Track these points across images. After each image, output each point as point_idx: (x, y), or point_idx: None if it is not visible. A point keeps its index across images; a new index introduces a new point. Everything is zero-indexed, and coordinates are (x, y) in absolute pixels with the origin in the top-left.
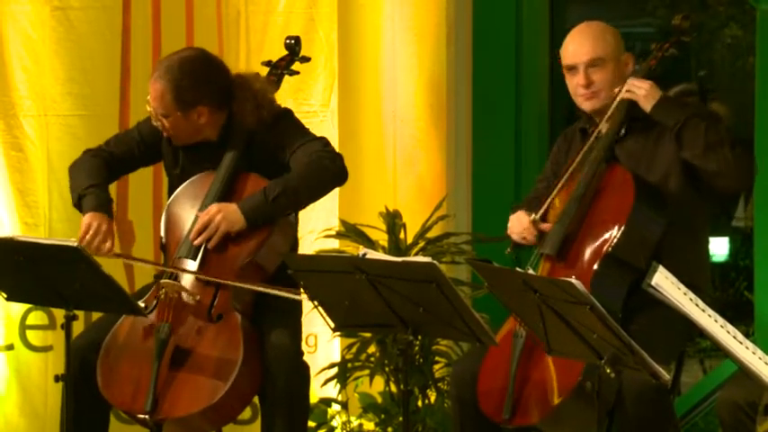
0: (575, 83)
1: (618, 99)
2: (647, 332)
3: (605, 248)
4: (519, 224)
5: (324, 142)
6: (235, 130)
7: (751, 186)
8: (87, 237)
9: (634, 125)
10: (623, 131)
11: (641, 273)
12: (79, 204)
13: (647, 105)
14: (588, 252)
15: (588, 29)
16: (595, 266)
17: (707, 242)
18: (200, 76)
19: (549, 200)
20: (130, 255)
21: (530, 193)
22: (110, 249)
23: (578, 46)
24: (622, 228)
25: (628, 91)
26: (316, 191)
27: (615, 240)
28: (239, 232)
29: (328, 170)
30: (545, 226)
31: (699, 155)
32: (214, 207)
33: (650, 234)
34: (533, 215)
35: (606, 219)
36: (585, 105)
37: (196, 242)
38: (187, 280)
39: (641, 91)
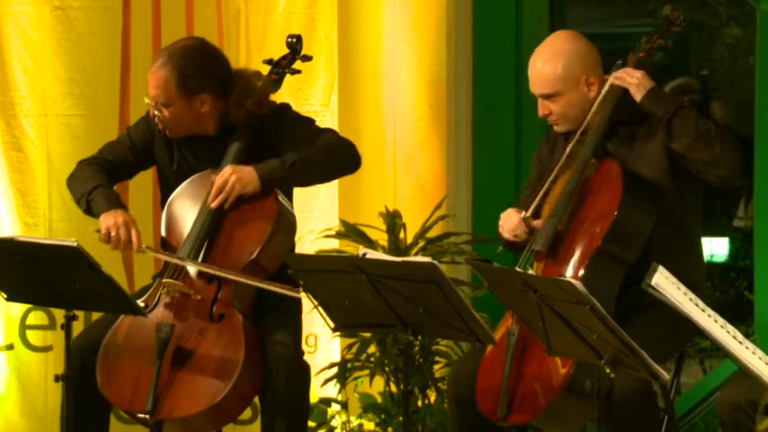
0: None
1: (608, 87)
2: (642, 332)
3: (595, 243)
4: (509, 221)
5: (335, 132)
6: (234, 126)
7: (739, 175)
8: (112, 236)
9: (619, 126)
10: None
11: (633, 269)
12: (89, 210)
13: (637, 95)
14: (579, 248)
15: (541, 55)
16: (586, 262)
17: (699, 240)
18: (203, 63)
19: (538, 196)
20: (158, 248)
21: (520, 195)
22: (138, 238)
23: (532, 77)
24: (611, 223)
25: (619, 78)
26: (330, 170)
27: (604, 234)
28: (241, 231)
29: (344, 153)
30: (536, 223)
31: (689, 144)
32: (229, 168)
33: (640, 227)
34: (524, 212)
35: (596, 213)
36: (556, 129)
37: (213, 204)
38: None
39: (633, 80)
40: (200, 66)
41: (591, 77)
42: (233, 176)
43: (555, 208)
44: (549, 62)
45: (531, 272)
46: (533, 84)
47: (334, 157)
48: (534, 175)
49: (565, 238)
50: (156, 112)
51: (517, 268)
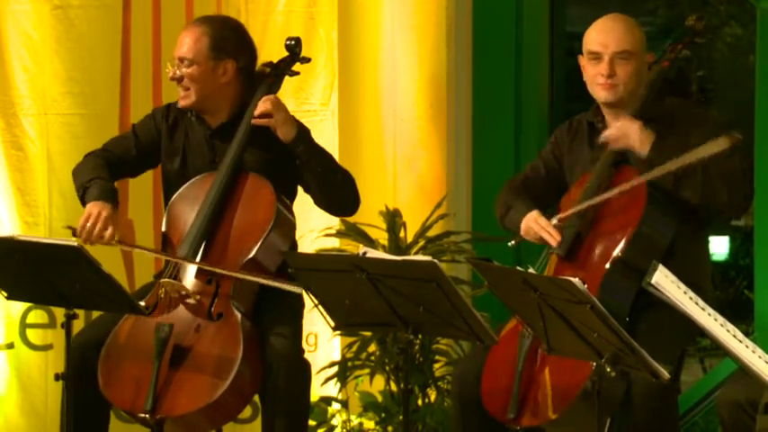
0: (595, 71)
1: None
2: (652, 333)
3: (615, 252)
4: (536, 225)
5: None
6: (240, 123)
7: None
8: (88, 225)
9: (648, 126)
10: None
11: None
12: (83, 201)
13: (642, 151)
14: (598, 254)
15: (619, 19)
16: (605, 271)
17: (707, 241)
18: (239, 33)
19: (577, 208)
20: (135, 243)
21: (519, 175)
22: (111, 236)
23: (608, 34)
24: (633, 232)
25: (616, 140)
26: (333, 181)
27: (625, 245)
28: (239, 229)
29: (350, 180)
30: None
31: (695, 202)
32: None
33: (660, 239)
34: (554, 219)
35: (617, 222)
36: (601, 95)
37: (256, 112)
38: (188, 279)
39: (634, 141)
40: (235, 34)
41: (649, 55)
42: (282, 109)
43: (576, 212)
44: (630, 23)
45: (531, 270)
46: (610, 37)
47: (342, 178)
48: (545, 157)
49: (584, 243)
50: (177, 72)
51: (531, 269)
